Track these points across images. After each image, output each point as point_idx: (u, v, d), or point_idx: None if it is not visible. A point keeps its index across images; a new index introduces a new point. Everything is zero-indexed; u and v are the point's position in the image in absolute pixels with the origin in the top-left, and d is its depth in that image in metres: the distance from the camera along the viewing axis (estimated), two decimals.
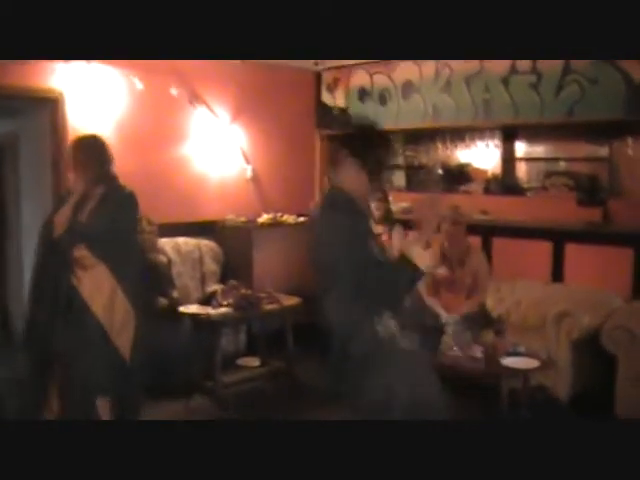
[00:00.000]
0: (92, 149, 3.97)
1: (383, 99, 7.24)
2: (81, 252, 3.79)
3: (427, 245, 2.85)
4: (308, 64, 7.55)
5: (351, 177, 2.92)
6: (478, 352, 4.55)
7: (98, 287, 3.79)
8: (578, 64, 5.75)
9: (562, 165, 6.53)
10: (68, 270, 3.81)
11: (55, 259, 3.88)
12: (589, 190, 6.16)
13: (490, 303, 5.66)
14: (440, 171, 7.22)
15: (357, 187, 2.93)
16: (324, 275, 2.93)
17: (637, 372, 4.66)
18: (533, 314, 5.51)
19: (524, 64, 6.09)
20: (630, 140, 6.06)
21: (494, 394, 4.44)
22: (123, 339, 3.84)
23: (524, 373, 4.53)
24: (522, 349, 4.60)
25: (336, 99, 7.70)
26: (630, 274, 5.55)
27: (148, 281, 4.41)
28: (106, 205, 3.86)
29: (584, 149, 6.35)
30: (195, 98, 6.63)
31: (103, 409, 3.86)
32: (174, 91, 6.41)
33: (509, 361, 4.44)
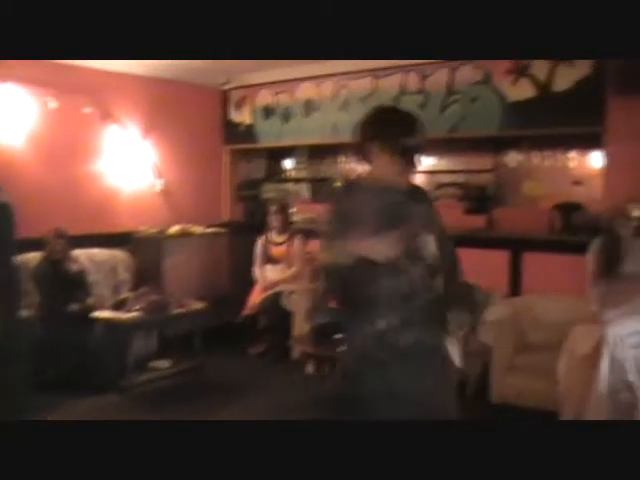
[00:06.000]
0: None
1: (286, 116, 7.54)
2: None
3: None
4: (216, 83, 7.80)
5: (381, 163, 2.71)
6: None
7: None
8: (460, 85, 6.28)
9: (453, 177, 7.01)
10: None
11: None
12: (476, 199, 6.69)
13: None
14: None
15: (388, 172, 2.70)
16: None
17: (508, 362, 5.16)
18: None
19: (413, 85, 6.55)
20: (511, 153, 6.67)
21: None
22: None
23: None
24: None
25: (243, 116, 7.96)
26: (507, 274, 6.08)
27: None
28: None
29: (474, 162, 6.91)
30: (107, 116, 6.81)
31: None
32: (87, 109, 6.55)
33: None
